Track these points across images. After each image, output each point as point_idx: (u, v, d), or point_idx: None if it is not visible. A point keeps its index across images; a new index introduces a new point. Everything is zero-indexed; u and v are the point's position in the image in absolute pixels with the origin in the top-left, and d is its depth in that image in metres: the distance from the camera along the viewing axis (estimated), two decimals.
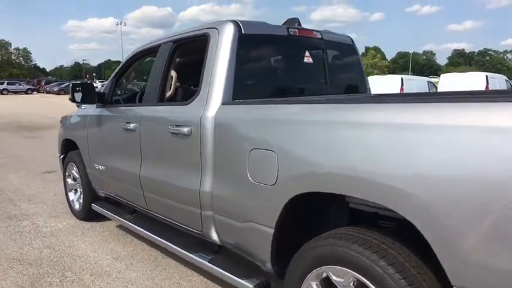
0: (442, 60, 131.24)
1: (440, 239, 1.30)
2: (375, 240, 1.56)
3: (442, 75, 13.96)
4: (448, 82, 12.74)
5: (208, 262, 2.32)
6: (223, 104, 2.23)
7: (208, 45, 2.41)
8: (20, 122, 14.33)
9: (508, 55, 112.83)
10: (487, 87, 11.85)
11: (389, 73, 69.64)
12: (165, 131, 2.51)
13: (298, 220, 1.94)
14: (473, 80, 12.12)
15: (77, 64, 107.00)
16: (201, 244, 2.55)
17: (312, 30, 2.84)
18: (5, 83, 43.67)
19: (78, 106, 4.41)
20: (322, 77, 2.91)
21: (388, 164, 1.40)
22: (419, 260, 1.48)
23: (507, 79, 14.19)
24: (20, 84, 44.83)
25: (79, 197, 4.05)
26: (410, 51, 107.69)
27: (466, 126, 1.25)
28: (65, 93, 35.15)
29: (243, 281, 2.07)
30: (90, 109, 3.67)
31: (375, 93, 3.37)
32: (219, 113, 2.21)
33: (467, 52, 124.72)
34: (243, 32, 2.36)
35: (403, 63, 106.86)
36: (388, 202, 1.42)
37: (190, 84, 3.09)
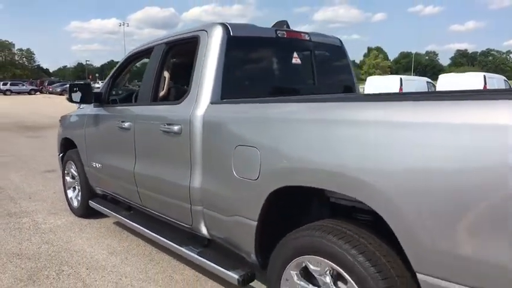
0: (445, 60, 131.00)
1: (403, 228, 1.39)
2: (349, 232, 1.65)
3: (440, 76, 14.03)
4: (447, 82, 12.80)
5: (197, 255, 2.41)
6: (211, 103, 2.33)
7: (198, 46, 2.51)
8: (23, 121, 14.48)
9: (511, 55, 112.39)
10: (484, 87, 11.91)
11: (392, 73, 69.67)
12: (158, 129, 2.61)
13: (280, 213, 2.04)
14: (472, 80, 12.18)
15: (80, 65, 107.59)
16: (191, 238, 2.65)
17: (300, 32, 2.93)
18: (8, 84, 44.02)
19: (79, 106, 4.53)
20: (310, 77, 3.01)
21: (357, 159, 1.50)
22: (390, 249, 1.57)
23: (506, 79, 14.23)
24: (23, 85, 45.12)
25: (77, 195, 4.16)
26: (413, 52, 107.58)
27: (424, 124, 1.34)
28: None
29: (229, 272, 2.17)
30: (88, 109, 3.78)
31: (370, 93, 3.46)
32: (208, 111, 2.31)
33: (470, 52, 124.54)
34: (231, 34, 2.46)
35: (406, 64, 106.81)
36: (357, 195, 1.52)
37: (182, 85, 3.19)
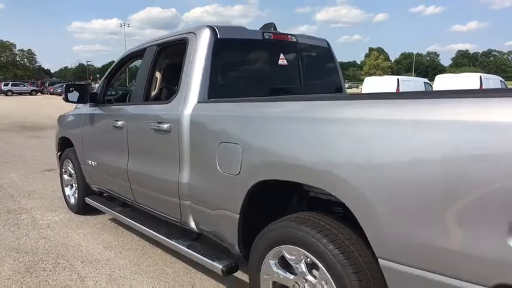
0: (446, 61, 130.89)
1: (365, 217, 1.51)
2: (322, 222, 1.77)
3: (437, 76, 14.14)
4: (443, 83, 12.91)
5: (186, 247, 2.53)
6: (198, 102, 2.45)
7: (187, 48, 2.62)
8: (23, 122, 14.63)
9: None
10: (480, 87, 12.00)
11: (393, 74, 69.68)
12: (149, 127, 2.73)
13: (261, 207, 2.15)
14: (468, 81, 12.28)
15: (81, 65, 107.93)
16: (182, 232, 2.77)
17: (287, 34, 3.05)
18: (10, 84, 44.26)
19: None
20: (297, 78, 3.12)
21: (324, 154, 1.62)
22: (359, 238, 1.69)
23: (502, 80, 14.33)
24: (24, 86, 45.38)
25: (74, 192, 4.28)
26: (414, 52, 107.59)
27: (386, 121, 1.46)
28: None
29: (213, 263, 2.28)
30: (84, 108, 3.90)
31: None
32: (195, 110, 2.43)
33: (471, 53, 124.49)
34: (218, 36, 2.57)
35: (407, 64, 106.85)
36: (326, 187, 1.63)
37: (173, 85, 3.31)
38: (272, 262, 1.96)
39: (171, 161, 2.56)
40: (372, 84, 14.66)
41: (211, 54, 2.52)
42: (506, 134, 1.17)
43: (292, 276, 1.89)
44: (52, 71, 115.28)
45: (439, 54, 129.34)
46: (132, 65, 4.14)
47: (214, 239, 2.46)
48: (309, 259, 1.78)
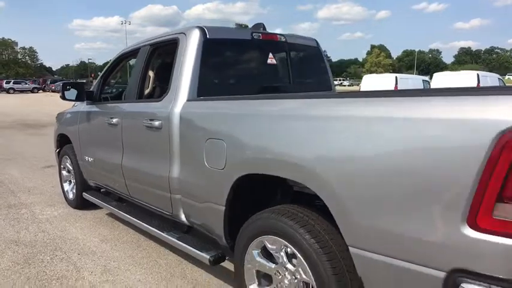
0: (448, 58, 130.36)
1: (336, 208, 1.62)
2: (300, 214, 1.87)
3: (435, 74, 14.19)
4: (441, 81, 12.98)
5: (176, 239, 2.64)
6: (188, 100, 2.55)
7: (177, 48, 2.73)
8: (25, 120, 14.78)
9: None
10: (478, 85, 12.06)
11: (395, 71, 69.57)
12: (141, 124, 2.84)
13: (247, 200, 2.25)
14: (465, 79, 12.35)
15: (82, 63, 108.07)
16: (173, 225, 2.88)
17: (275, 34, 3.15)
18: (11, 82, 44.50)
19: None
20: (286, 76, 3.22)
21: (299, 148, 1.73)
22: (334, 228, 1.79)
23: (500, 77, 14.37)
24: (26, 83, 45.61)
25: (72, 188, 4.40)
26: (416, 50, 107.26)
27: (348, 117, 1.56)
28: None
29: (201, 253, 2.40)
30: (82, 106, 4.01)
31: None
32: (184, 108, 2.53)
33: (473, 50, 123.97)
34: (207, 36, 2.68)
35: (409, 62, 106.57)
36: (301, 179, 1.74)
37: (165, 83, 3.41)
38: (255, 252, 2.07)
39: (162, 156, 2.67)
40: (371, 82, 14.74)
41: (200, 54, 2.62)
42: (454, 130, 1.28)
43: (273, 265, 2.00)
44: (54, 69, 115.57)
45: (441, 52, 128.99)
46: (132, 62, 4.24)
47: (204, 231, 2.57)
48: (288, 249, 1.89)
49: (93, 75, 69.75)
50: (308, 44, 3.42)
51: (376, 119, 1.49)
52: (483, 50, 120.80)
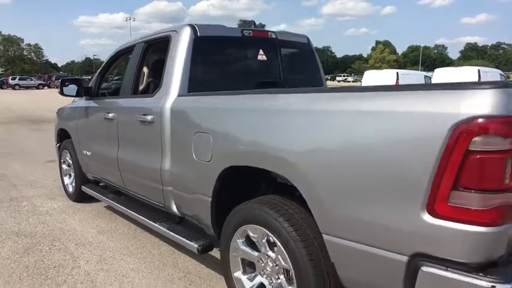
0: (454, 54, 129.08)
1: (310, 198, 1.71)
2: (280, 204, 1.97)
3: (436, 70, 14.19)
4: (442, 76, 12.97)
5: (166, 229, 2.75)
6: (178, 95, 2.65)
7: (169, 45, 2.82)
8: (29, 115, 14.97)
9: None
10: (478, 81, 12.04)
11: (400, 67, 69.20)
12: (135, 119, 2.94)
13: (234, 191, 2.35)
14: (466, 74, 12.34)
15: (87, 59, 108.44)
16: (166, 217, 2.98)
17: (266, 31, 3.23)
18: (17, 79, 44.87)
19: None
20: (276, 73, 3.30)
21: (277, 141, 1.82)
22: (311, 217, 1.88)
23: (502, 73, 14.34)
24: (31, 80, 45.96)
25: (72, 181, 4.52)
26: (422, 45, 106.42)
27: (320, 111, 1.65)
28: None
29: (190, 242, 2.50)
30: (81, 102, 4.12)
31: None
32: (175, 103, 2.63)
33: (480, 46, 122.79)
34: (198, 34, 2.76)
35: (414, 57, 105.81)
36: (278, 170, 1.83)
37: (159, 79, 3.51)
38: (240, 241, 2.17)
39: (154, 150, 2.77)
40: (372, 77, 14.77)
41: (191, 51, 2.71)
42: (415, 123, 1.36)
43: (256, 253, 2.10)
44: (59, 65, 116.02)
45: (447, 47, 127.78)
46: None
47: (194, 222, 2.67)
48: (270, 237, 1.98)
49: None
50: (299, 40, 3.49)
51: (343, 113, 1.57)
52: (489, 45, 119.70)
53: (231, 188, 2.31)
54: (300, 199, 2.02)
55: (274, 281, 2.03)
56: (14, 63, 74.29)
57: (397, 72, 14.19)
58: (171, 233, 2.68)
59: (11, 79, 44.33)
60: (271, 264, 2.03)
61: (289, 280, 1.94)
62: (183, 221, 2.90)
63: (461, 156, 1.27)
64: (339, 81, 61.96)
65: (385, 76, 14.12)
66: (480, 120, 1.25)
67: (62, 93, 3.74)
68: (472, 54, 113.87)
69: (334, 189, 1.61)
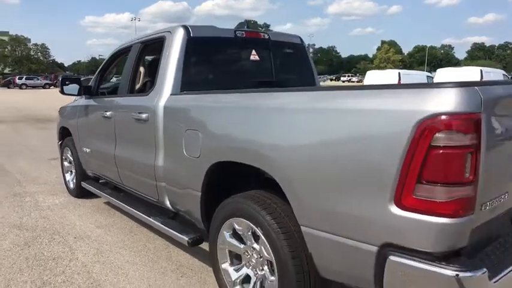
0: (461, 54, 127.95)
1: (289, 191, 1.79)
2: (264, 198, 2.05)
3: (438, 70, 14.18)
4: (444, 76, 12.96)
5: (160, 223, 2.85)
6: (171, 94, 2.74)
7: (163, 45, 2.91)
8: (35, 114, 15.19)
9: None
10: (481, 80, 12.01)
11: (405, 67, 68.88)
12: (131, 117, 3.04)
13: (222, 186, 2.43)
14: (468, 75, 12.33)
15: (93, 59, 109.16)
16: (161, 211, 3.08)
17: (258, 32, 3.31)
18: (24, 78, 45.36)
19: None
20: (269, 73, 3.38)
21: (259, 138, 1.91)
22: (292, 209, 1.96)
23: (505, 73, 14.28)
24: (38, 79, 46.45)
25: (73, 178, 4.64)
26: (427, 45, 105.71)
27: (298, 110, 1.73)
28: None
29: (181, 235, 2.59)
30: (81, 100, 4.24)
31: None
32: (168, 101, 2.72)
33: (487, 46, 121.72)
34: (191, 35, 2.85)
35: (420, 58, 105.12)
36: (260, 165, 1.92)
37: (154, 78, 3.61)
38: (227, 234, 2.26)
39: (148, 146, 2.87)
40: (374, 77, 14.79)
41: (184, 51, 2.80)
42: (384, 119, 1.44)
43: (242, 246, 2.19)
44: (66, 65, 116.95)
45: (453, 47, 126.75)
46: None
47: (186, 216, 2.77)
48: (254, 230, 2.06)
49: None
50: (292, 41, 3.57)
51: (316, 111, 1.66)
52: (497, 45, 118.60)
53: (220, 183, 2.40)
54: (282, 193, 2.11)
55: (258, 272, 2.12)
56: (21, 63, 74.98)
57: (399, 73, 14.21)
58: (163, 226, 2.78)
59: (18, 79, 44.85)
60: (256, 256, 2.11)
61: (272, 271, 2.02)
62: (177, 216, 3.00)
63: (424, 151, 1.35)
64: (343, 81, 61.91)
65: (387, 76, 14.15)
66: (442, 117, 1.32)
67: (62, 92, 3.86)
68: (479, 55, 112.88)
69: (310, 183, 1.69)
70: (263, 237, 1.97)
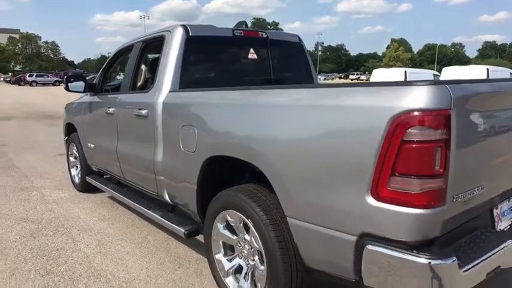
0: (472, 52, 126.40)
1: (276, 184, 1.88)
2: (255, 191, 2.14)
3: (444, 69, 14.11)
4: (450, 75, 12.90)
5: (158, 216, 2.95)
6: (170, 91, 2.84)
7: (163, 44, 3.02)
8: (44, 111, 15.46)
9: None
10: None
11: (415, 66, 68.30)
12: (132, 113, 3.15)
13: (217, 180, 2.53)
14: (475, 73, 12.24)
15: (103, 57, 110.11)
16: (160, 205, 3.19)
17: (257, 31, 3.40)
18: (34, 75, 46.01)
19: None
20: (267, 70, 3.46)
21: (249, 133, 1.99)
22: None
23: None
24: (48, 77, 47.12)
25: (78, 172, 4.78)
26: (437, 43, 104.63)
27: (284, 105, 1.82)
28: None
29: (177, 227, 2.70)
30: (86, 97, 4.37)
31: None
32: (167, 98, 2.82)
33: (498, 44, 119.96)
34: (190, 34, 2.95)
35: (430, 56, 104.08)
36: (249, 159, 2.01)
37: (154, 76, 3.71)
38: (220, 225, 2.35)
39: (148, 142, 2.97)
40: (380, 76, 14.75)
41: (182, 49, 2.90)
42: (361, 115, 1.52)
43: (235, 237, 2.28)
44: (76, 63, 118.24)
45: (464, 46, 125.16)
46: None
47: (183, 209, 2.87)
48: (245, 222, 2.15)
49: None
50: (290, 39, 3.64)
51: (299, 108, 1.74)
52: (508, 43, 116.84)
53: (215, 177, 2.49)
54: (271, 186, 2.20)
55: (250, 262, 2.21)
56: (31, 61, 76.05)
57: (405, 71, 14.16)
58: (162, 219, 2.89)
59: (29, 76, 45.53)
60: (247, 247, 2.20)
61: (262, 261, 2.11)
62: (175, 210, 3.10)
63: (397, 145, 1.43)
64: (352, 79, 61.72)
65: (394, 74, 14.11)
66: (414, 113, 1.40)
67: (67, 89, 3.98)
68: (491, 53, 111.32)
69: (294, 176, 1.78)
70: (253, 229, 2.06)
